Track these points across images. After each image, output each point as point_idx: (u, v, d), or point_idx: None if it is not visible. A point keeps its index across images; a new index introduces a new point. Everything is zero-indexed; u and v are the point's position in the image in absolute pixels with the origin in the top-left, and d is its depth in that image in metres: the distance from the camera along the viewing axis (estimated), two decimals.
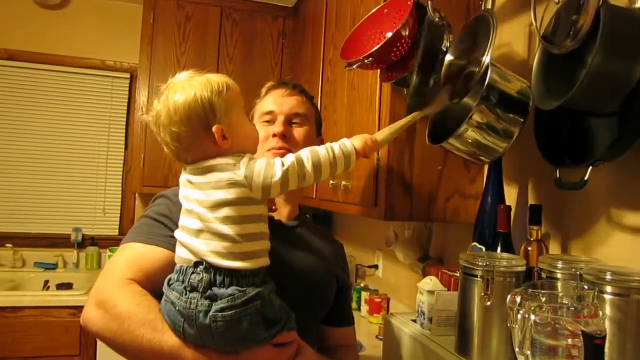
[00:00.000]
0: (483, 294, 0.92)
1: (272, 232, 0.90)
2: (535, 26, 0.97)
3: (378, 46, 1.11)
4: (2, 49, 2.87)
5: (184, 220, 0.87)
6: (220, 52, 2.75)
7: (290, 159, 0.87)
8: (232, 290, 0.81)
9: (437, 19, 1.16)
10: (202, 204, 0.84)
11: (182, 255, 0.86)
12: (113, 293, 0.87)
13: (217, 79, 0.88)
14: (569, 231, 1.11)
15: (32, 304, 2.32)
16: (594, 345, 0.64)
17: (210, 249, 0.82)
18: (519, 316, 0.73)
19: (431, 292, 1.13)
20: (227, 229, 0.82)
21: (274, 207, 1.08)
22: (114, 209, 3.06)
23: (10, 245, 2.80)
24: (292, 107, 1.15)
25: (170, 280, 0.86)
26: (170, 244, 0.92)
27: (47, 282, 2.72)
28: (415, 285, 1.22)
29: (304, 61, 2.44)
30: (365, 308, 2.14)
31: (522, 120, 1.05)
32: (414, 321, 1.21)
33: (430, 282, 1.16)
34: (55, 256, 2.88)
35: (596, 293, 0.76)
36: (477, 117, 1.04)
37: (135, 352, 0.85)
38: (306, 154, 0.88)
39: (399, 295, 2.06)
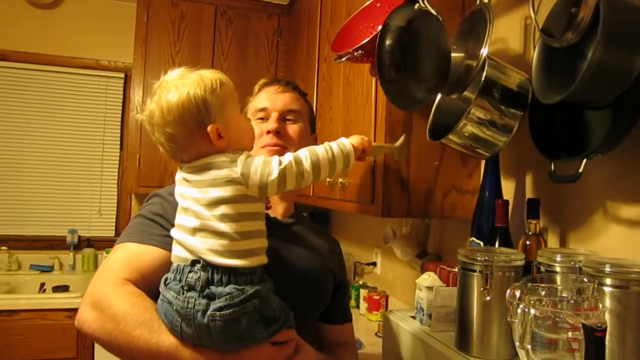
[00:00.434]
0: (482, 289, 0.92)
1: (268, 229, 0.90)
2: (534, 19, 0.96)
3: (367, 38, 1.10)
4: None
5: (180, 218, 0.87)
6: (214, 50, 2.74)
7: (288, 157, 0.86)
8: (229, 288, 0.80)
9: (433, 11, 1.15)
10: (198, 202, 0.83)
11: (179, 254, 0.85)
12: (108, 293, 0.86)
13: (210, 76, 0.87)
14: (566, 224, 1.11)
15: (28, 306, 2.30)
16: (594, 338, 0.64)
17: (207, 247, 0.81)
18: (519, 310, 0.73)
19: (430, 288, 1.12)
20: (224, 227, 0.81)
21: (268, 205, 1.07)
22: (109, 209, 3.04)
23: (5, 248, 2.79)
24: (286, 104, 1.15)
25: (166, 279, 0.85)
26: (166, 243, 0.91)
27: (43, 284, 2.70)
28: (414, 281, 1.22)
29: (299, 58, 2.43)
30: (363, 305, 2.14)
31: (521, 113, 1.04)
32: (413, 317, 1.20)
33: (429, 278, 1.16)
34: (51, 258, 2.86)
35: (595, 285, 0.75)
36: (475, 111, 1.03)
37: (131, 353, 0.84)
38: (304, 153, 0.88)
39: (398, 292, 2.05)
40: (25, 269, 2.82)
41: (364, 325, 2.02)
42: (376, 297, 2.07)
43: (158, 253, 0.92)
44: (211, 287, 0.80)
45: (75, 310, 2.54)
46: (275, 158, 0.86)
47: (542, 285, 0.77)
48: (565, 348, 0.69)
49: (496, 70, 1.05)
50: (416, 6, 1.10)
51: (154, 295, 0.87)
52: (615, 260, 0.80)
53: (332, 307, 1.17)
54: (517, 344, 0.74)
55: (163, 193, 1.01)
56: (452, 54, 1.14)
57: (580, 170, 0.89)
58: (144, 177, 2.65)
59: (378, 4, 1.23)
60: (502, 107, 1.04)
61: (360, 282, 2.31)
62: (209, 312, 0.78)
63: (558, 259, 0.89)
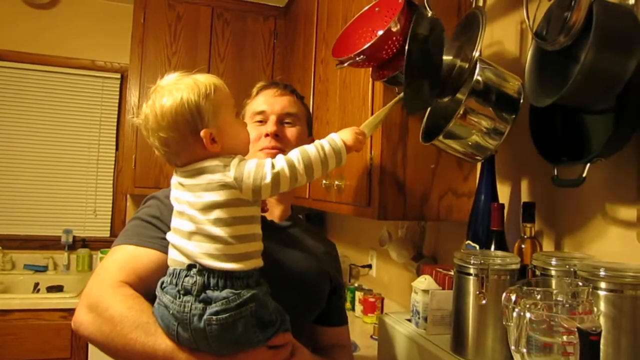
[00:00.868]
0: (478, 292, 0.92)
1: (264, 232, 0.90)
2: (528, 23, 0.97)
3: (369, 43, 1.11)
4: None
5: (176, 222, 0.87)
6: (211, 52, 2.74)
7: (280, 160, 0.86)
8: (226, 292, 0.80)
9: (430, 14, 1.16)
10: (193, 206, 0.83)
11: (175, 258, 0.85)
12: (105, 296, 0.86)
13: (205, 80, 0.87)
14: (562, 228, 1.11)
15: (22, 306, 2.30)
16: (589, 342, 0.64)
17: (202, 251, 0.81)
18: (514, 314, 0.73)
19: (425, 291, 1.13)
20: (219, 231, 0.81)
21: (265, 208, 1.07)
22: (105, 210, 3.03)
23: None
24: (284, 107, 1.15)
25: (163, 283, 0.85)
26: (162, 245, 0.91)
27: (37, 284, 2.69)
28: (409, 284, 1.22)
29: (296, 60, 2.43)
30: (359, 308, 2.14)
31: (513, 116, 1.05)
32: (409, 320, 1.21)
33: (425, 281, 1.16)
34: (45, 258, 2.85)
35: (590, 289, 0.76)
36: (465, 113, 1.03)
37: (128, 356, 0.83)
38: (296, 155, 0.87)
39: (393, 295, 2.06)
40: (19, 269, 2.80)
41: (360, 327, 2.02)
42: (371, 300, 2.08)
43: (155, 255, 0.92)
44: (207, 291, 0.80)
45: (69, 310, 2.52)
46: (268, 161, 0.85)
47: (538, 288, 0.77)
48: (560, 352, 0.70)
49: (488, 73, 1.05)
50: (429, 14, 1.12)
51: (150, 297, 0.86)
52: (610, 264, 0.81)
53: (328, 310, 1.17)
54: (512, 347, 0.75)
55: (160, 196, 1.01)
56: (447, 57, 1.15)
57: (584, 175, 0.90)
58: (140, 178, 2.64)
59: (377, 9, 1.24)
60: (493, 109, 1.04)
61: (356, 285, 2.31)
62: (205, 317, 0.78)
63: (553, 262, 0.89)
